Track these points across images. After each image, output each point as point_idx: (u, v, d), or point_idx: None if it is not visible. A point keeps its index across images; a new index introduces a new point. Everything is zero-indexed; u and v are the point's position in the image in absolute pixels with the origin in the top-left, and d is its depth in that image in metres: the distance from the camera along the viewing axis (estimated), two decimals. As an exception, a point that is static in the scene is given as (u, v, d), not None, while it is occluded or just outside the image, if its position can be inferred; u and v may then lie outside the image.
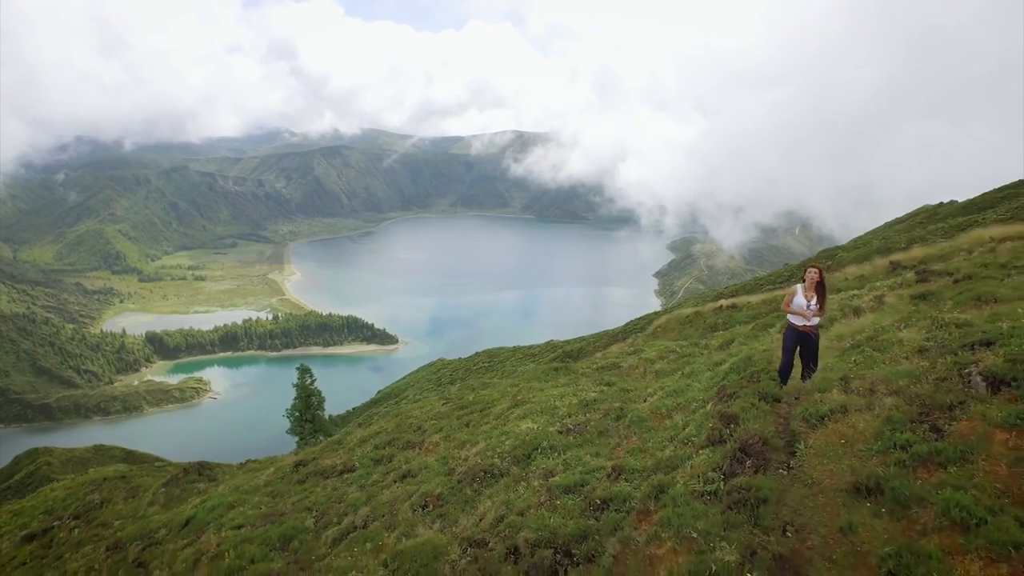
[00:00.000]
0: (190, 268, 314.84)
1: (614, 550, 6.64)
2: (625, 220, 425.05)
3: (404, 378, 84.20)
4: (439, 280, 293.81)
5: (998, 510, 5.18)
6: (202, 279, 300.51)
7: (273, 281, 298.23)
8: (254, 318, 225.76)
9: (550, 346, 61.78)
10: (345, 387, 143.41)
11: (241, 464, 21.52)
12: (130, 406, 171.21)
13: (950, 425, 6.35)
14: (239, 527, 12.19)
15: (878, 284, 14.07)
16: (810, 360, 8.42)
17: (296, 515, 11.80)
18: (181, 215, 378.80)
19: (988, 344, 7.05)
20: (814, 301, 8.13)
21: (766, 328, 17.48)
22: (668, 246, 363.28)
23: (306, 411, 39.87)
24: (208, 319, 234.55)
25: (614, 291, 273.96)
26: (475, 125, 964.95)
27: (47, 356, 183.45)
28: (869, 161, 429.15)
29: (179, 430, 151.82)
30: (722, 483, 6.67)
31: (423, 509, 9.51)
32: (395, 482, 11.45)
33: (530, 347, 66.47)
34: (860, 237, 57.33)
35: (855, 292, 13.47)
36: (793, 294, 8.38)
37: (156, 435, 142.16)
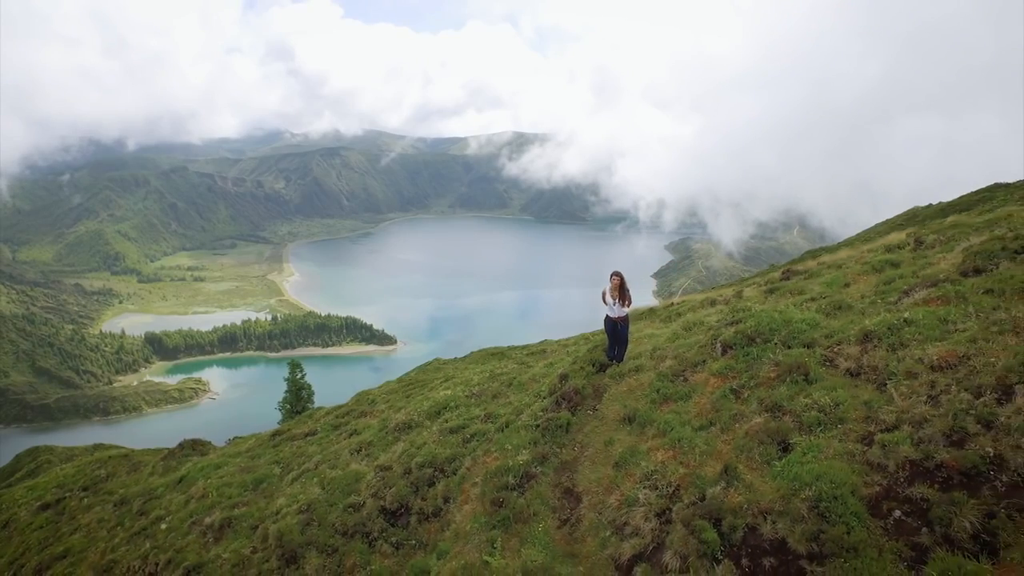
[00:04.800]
0: (189, 269, 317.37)
1: (467, 464, 9.65)
2: (623, 220, 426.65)
3: (401, 377, 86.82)
4: (438, 281, 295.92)
5: (685, 423, 8.18)
6: (201, 280, 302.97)
7: (272, 282, 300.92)
8: (253, 319, 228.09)
9: (543, 345, 64.45)
10: (344, 387, 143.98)
11: (229, 440, 24.56)
12: (129, 406, 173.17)
13: (693, 376, 9.34)
14: (222, 478, 15.18)
15: (749, 280, 17.04)
16: (622, 342, 11.25)
17: (267, 466, 14.81)
18: (180, 216, 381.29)
19: (736, 323, 10.01)
20: (618, 299, 10.91)
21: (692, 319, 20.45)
22: (666, 247, 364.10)
23: (297, 403, 42.97)
24: (207, 320, 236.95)
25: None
26: (474, 126, 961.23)
27: (46, 356, 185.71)
28: (867, 156, 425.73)
29: (178, 429, 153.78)
30: (543, 418, 9.65)
31: (357, 452, 12.52)
32: (344, 439, 14.46)
33: (525, 346, 69.00)
34: (848, 239, 60.62)
35: (724, 288, 16.42)
36: (606, 294, 11.14)
37: (155, 435, 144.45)
